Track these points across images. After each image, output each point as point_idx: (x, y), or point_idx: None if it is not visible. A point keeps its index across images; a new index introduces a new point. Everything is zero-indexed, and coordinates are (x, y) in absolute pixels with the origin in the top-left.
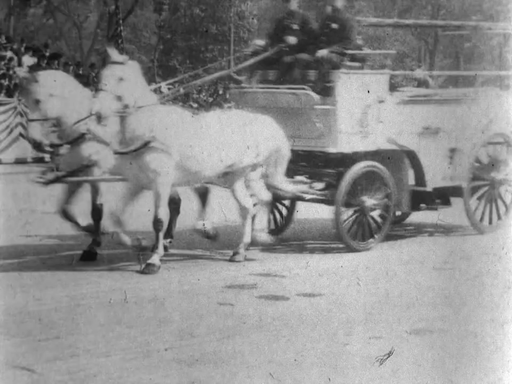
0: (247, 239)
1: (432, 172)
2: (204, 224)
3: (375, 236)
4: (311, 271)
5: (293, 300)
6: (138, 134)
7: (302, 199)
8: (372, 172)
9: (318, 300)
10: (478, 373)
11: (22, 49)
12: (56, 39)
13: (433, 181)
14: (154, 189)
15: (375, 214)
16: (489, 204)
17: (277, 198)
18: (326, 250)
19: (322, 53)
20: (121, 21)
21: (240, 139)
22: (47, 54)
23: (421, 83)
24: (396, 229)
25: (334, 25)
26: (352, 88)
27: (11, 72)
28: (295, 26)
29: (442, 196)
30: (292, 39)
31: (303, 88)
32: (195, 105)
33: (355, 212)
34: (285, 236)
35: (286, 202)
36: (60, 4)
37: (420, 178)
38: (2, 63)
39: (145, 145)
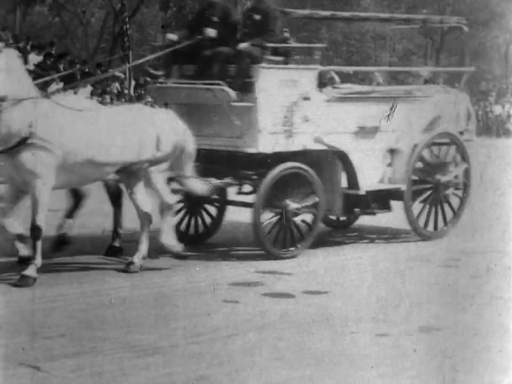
0: (144, 247)
1: (367, 173)
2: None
3: (299, 243)
4: (316, 268)
5: (298, 297)
6: (15, 130)
7: (227, 202)
8: (297, 173)
9: (323, 297)
10: (483, 371)
11: (28, 47)
12: (62, 38)
13: (368, 183)
14: (32, 193)
15: (308, 218)
16: (435, 209)
17: (203, 201)
18: (249, 257)
19: (243, 46)
20: (127, 19)
21: (138, 134)
22: (53, 52)
23: (428, 81)
24: (336, 235)
25: (257, 17)
26: (274, 84)
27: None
28: (216, 18)
29: (381, 200)
30: (211, 32)
31: (219, 84)
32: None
33: (277, 216)
34: (213, 240)
35: (214, 205)
36: (66, 2)
37: (353, 181)
38: None
39: (23, 142)
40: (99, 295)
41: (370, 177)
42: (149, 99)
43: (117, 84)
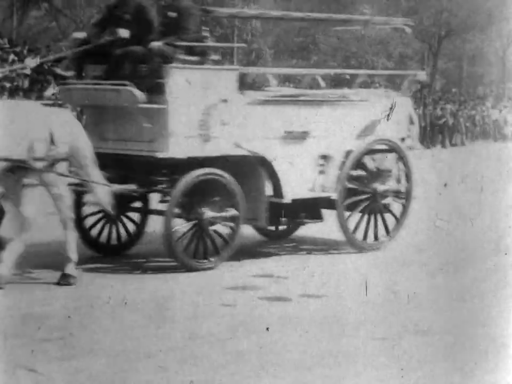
0: (73, 255)
1: (294, 181)
2: None
3: (217, 254)
4: (313, 272)
5: (295, 301)
6: None
7: (148, 211)
8: (213, 180)
9: (320, 301)
10: (482, 373)
11: (25, 51)
12: (59, 42)
13: (295, 191)
14: None
15: (225, 229)
16: (374, 218)
17: (123, 210)
18: (164, 269)
19: (155, 45)
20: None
21: (28, 130)
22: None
23: (425, 85)
24: (271, 245)
25: (172, 14)
26: (188, 85)
27: (13, 74)
28: (128, 16)
29: (313, 209)
30: (122, 32)
31: (125, 85)
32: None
33: (191, 225)
34: (134, 251)
35: (135, 214)
36: (63, 6)
37: (277, 189)
38: (5, 65)
39: None
40: (96, 298)
41: (298, 185)
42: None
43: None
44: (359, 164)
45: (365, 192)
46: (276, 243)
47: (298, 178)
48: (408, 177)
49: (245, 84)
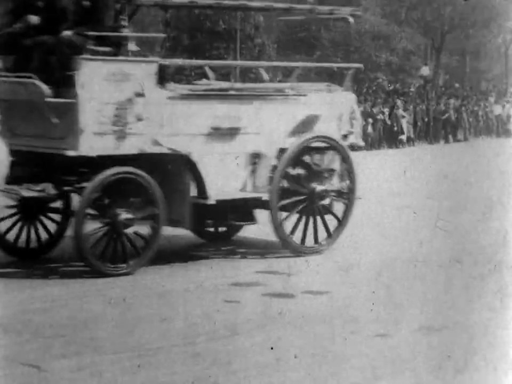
0: None
1: (221, 181)
2: None
3: (134, 259)
4: (316, 269)
5: (298, 298)
6: None
7: (68, 212)
8: (129, 179)
9: (323, 298)
10: (480, 371)
11: None
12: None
13: (220, 192)
14: None
15: (144, 231)
16: (313, 220)
17: (40, 210)
18: (72, 275)
19: (66, 34)
20: (127, 18)
21: None
22: None
23: (428, 81)
24: (204, 248)
25: (86, 3)
26: (101, 77)
27: None
28: (40, 3)
29: (244, 210)
30: (32, 19)
31: (30, 77)
32: None
33: (105, 227)
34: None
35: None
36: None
37: (201, 189)
38: None
39: None
40: (100, 295)
41: (226, 185)
42: None
43: None
44: (298, 162)
45: (302, 192)
46: (213, 246)
47: (227, 178)
48: (350, 177)
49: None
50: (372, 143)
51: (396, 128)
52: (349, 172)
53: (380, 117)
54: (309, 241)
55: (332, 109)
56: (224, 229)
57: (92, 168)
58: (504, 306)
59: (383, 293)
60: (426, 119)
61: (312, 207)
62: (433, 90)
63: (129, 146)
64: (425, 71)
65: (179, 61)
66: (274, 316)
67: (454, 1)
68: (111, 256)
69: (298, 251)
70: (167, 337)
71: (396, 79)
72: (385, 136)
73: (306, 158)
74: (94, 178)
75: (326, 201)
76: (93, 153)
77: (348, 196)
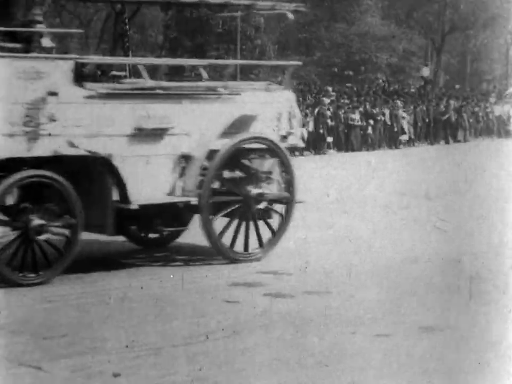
0: None
1: (145, 184)
2: None
3: (48, 268)
4: (316, 269)
5: (299, 298)
6: None
7: None
8: (42, 183)
9: (323, 297)
10: (481, 371)
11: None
12: (62, 38)
13: (144, 196)
14: None
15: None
16: (246, 226)
17: None
18: None
19: None
20: (127, 20)
21: None
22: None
23: (428, 81)
24: (136, 255)
25: None
26: (8, 75)
27: None
28: None
29: (173, 215)
30: None
31: None
32: None
33: (17, 234)
34: None
35: None
36: (67, 3)
37: (123, 193)
38: None
39: None
40: (100, 295)
41: (151, 189)
42: None
43: None
44: (233, 164)
45: (236, 195)
46: (147, 253)
47: (152, 182)
48: (289, 180)
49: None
50: (372, 144)
51: (396, 129)
52: (287, 175)
53: (380, 117)
54: (242, 246)
55: (270, 109)
56: (156, 235)
57: (4, 172)
58: (504, 306)
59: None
60: (426, 120)
61: (247, 212)
62: (433, 91)
63: (43, 148)
64: (426, 71)
65: (96, 58)
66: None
67: (454, 3)
68: (20, 264)
69: (229, 257)
70: (167, 337)
71: (396, 80)
72: (385, 137)
73: (242, 160)
74: (2, 182)
75: (261, 206)
76: (3, 155)
77: (287, 199)
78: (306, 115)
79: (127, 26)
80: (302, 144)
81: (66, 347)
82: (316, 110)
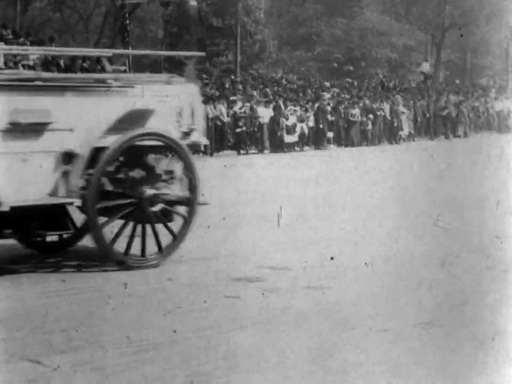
0: None
1: (19, 184)
2: None
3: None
4: (316, 264)
5: (298, 293)
6: None
7: None
8: None
9: (323, 293)
10: (478, 367)
11: (28, 43)
12: (62, 33)
13: (17, 197)
14: None
15: None
16: (142, 229)
17: None
18: None
19: None
20: (127, 15)
21: None
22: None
23: (428, 76)
24: (29, 260)
25: None
26: None
27: (19, 66)
28: None
29: (57, 217)
30: None
31: None
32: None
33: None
34: None
35: None
36: None
37: None
38: (8, 57)
39: None
40: (100, 291)
41: (28, 189)
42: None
43: None
44: (128, 163)
45: (128, 196)
46: (38, 258)
47: (29, 181)
48: (191, 179)
49: None
50: (371, 139)
51: (396, 124)
52: (189, 174)
53: (380, 113)
54: (139, 251)
55: (170, 103)
56: (55, 239)
57: None
58: (503, 306)
59: None
60: (427, 115)
61: (140, 214)
62: (433, 86)
63: None
64: (426, 67)
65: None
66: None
67: None
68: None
69: (122, 263)
70: (167, 332)
71: (396, 75)
72: (385, 132)
73: (138, 158)
74: None
75: (158, 208)
76: None
77: (188, 201)
78: (306, 110)
79: (127, 21)
80: (205, 142)
81: None
82: (316, 105)
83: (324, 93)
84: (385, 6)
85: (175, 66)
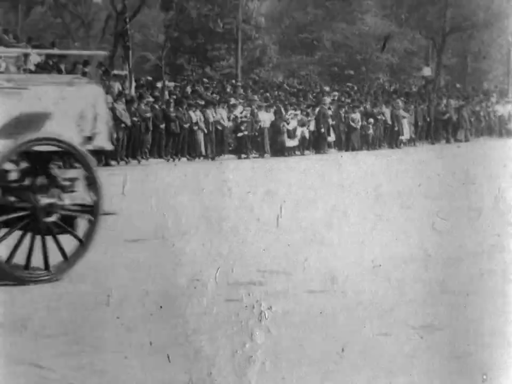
0: None
1: None
2: None
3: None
4: (318, 267)
5: (300, 296)
6: None
7: None
8: None
9: (324, 296)
10: (480, 370)
11: (29, 47)
12: (63, 38)
13: None
14: None
15: None
16: (31, 241)
17: None
18: None
19: None
20: (128, 20)
21: None
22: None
23: (429, 81)
24: None
25: None
26: None
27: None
28: None
29: None
30: None
31: None
32: (202, 102)
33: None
34: None
35: None
36: (68, 2)
37: None
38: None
39: None
40: (100, 294)
41: None
42: (150, 99)
43: (118, 84)
44: (20, 170)
45: (20, 206)
46: None
47: None
48: (94, 187)
49: None
50: (372, 143)
51: (396, 128)
52: (91, 182)
53: (380, 117)
54: (40, 265)
55: (69, 106)
56: None
57: None
58: (504, 305)
59: None
60: (427, 119)
61: (36, 225)
62: (434, 91)
63: None
64: (427, 71)
65: None
66: None
67: (455, 2)
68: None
69: (15, 278)
70: (167, 336)
71: (397, 80)
72: (386, 136)
73: (41, 165)
74: None
75: (53, 218)
76: None
77: (91, 210)
78: (307, 114)
79: (128, 26)
80: (110, 147)
81: None
82: (317, 110)
83: (325, 97)
84: (386, 10)
85: (176, 71)
